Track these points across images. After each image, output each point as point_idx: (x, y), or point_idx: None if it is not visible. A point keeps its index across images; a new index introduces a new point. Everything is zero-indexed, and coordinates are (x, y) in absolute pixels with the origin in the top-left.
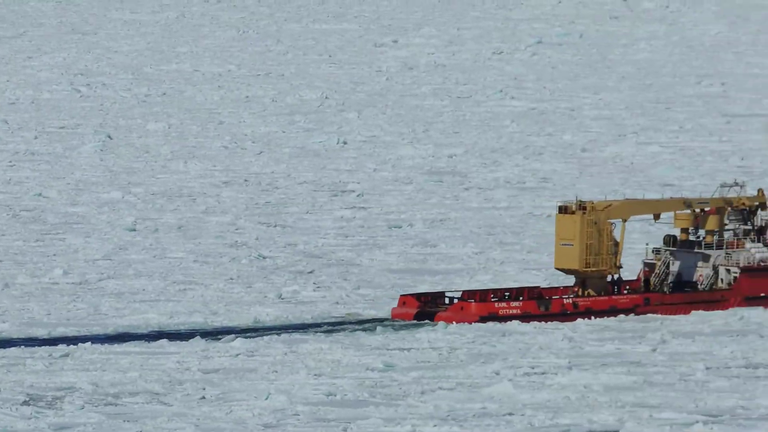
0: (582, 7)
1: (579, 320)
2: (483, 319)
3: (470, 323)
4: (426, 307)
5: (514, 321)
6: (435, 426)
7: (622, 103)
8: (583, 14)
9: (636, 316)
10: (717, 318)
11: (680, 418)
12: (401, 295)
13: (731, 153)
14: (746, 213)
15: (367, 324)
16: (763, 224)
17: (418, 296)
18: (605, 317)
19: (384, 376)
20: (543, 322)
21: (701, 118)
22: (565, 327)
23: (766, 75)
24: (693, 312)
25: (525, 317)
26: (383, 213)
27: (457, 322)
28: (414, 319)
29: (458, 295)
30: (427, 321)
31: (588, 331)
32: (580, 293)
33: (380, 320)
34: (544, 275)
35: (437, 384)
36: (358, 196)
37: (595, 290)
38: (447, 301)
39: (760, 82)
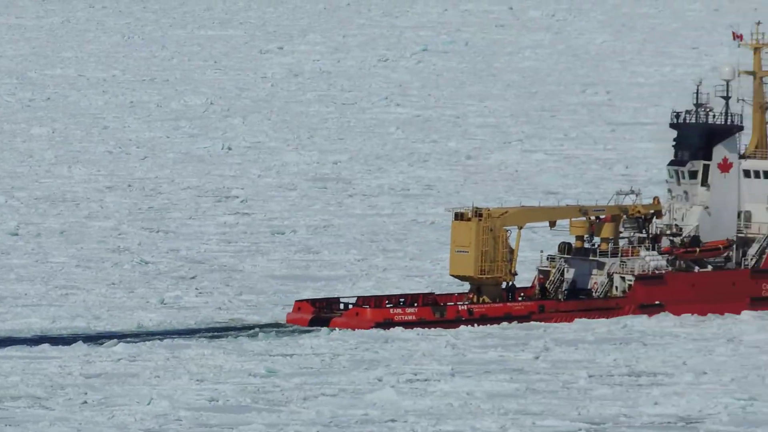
0: (468, 15)
1: (462, 327)
2: (378, 325)
3: (365, 329)
4: (321, 313)
5: (397, 328)
6: None
7: (507, 111)
8: (468, 22)
9: (519, 324)
10: (600, 326)
11: (563, 426)
12: (296, 301)
13: (616, 161)
14: (641, 221)
15: (261, 329)
16: (658, 232)
17: (313, 302)
18: (500, 324)
19: (266, 381)
20: (429, 329)
21: (586, 127)
22: (448, 334)
23: (650, 84)
24: (576, 320)
25: (420, 324)
26: (267, 219)
27: (352, 328)
28: (309, 324)
29: (353, 300)
30: (323, 327)
31: (471, 339)
32: (475, 300)
33: (276, 326)
34: (427, 282)
35: (320, 390)
36: (241, 201)
37: (491, 297)
38: (342, 306)
39: (644, 91)
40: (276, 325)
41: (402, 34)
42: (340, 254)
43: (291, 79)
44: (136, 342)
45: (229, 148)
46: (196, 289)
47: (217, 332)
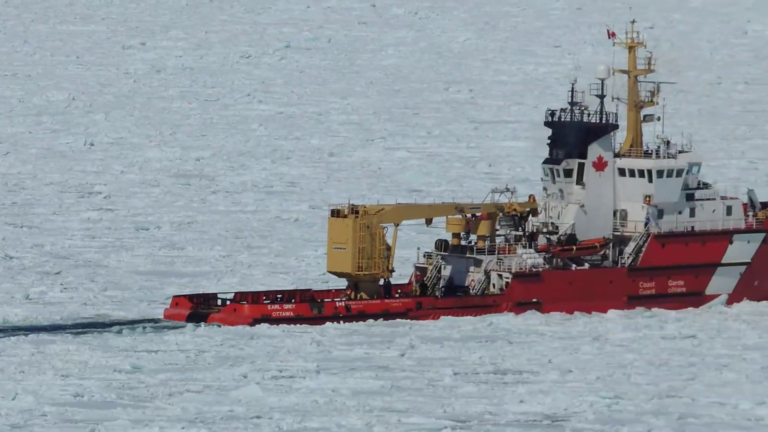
0: (330, 12)
1: (328, 324)
2: (256, 321)
3: (244, 325)
4: (199, 309)
5: (263, 324)
6: (183, 428)
7: (370, 108)
8: (331, 19)
9: (385, 321)
10: (466, 323)
11: (428, 423)
12: (174, 296)
13: (479, 159)
14: (517, 219)
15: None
16: (534, 230)
17: (190, 297)
18: (378, 320)
19: (132, 377)
20: (295, 326)
21: (449, 125)
22: (314, 331)
23: (513, 82)
24: (450, 317)
25: (298, 320)
26: (130, 215)
27: (230, 324)
28: (187, 320)
29: (231, 296)
30: (200, 322)
31: (337, 336)
32: (352, 297)
33: (150, 321)
34: (292, 279)
35: (185, 386)
36: (105, 197)
37: (368, 294)
38: (219, 302)
39: (507, 89)
40: (152, 321)
41: (265, 31)
42: (204, 250)
43: (153, 75)
44: (0, 337)
45: (92, 144)
46: (61, 284)
47: (83, 328)
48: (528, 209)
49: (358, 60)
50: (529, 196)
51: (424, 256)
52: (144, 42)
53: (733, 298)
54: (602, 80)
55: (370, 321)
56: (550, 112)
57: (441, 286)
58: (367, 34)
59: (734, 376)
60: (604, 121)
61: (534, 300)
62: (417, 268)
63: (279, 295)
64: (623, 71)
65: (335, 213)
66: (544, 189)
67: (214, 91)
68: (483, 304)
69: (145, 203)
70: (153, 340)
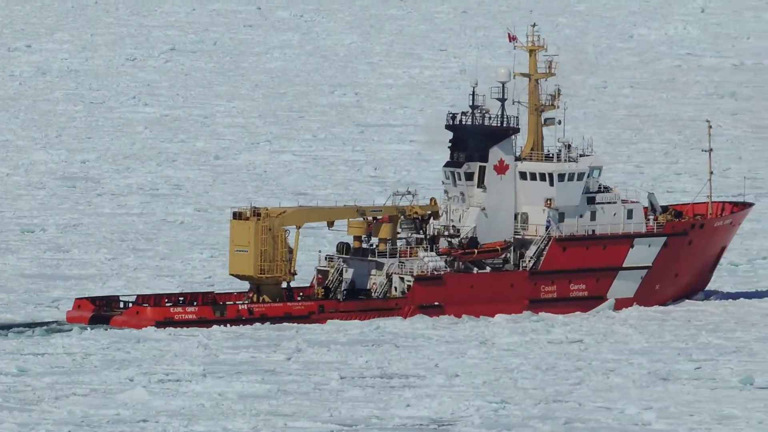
0: (216, 15)
1: (215, 327)
2: (159, 324)
3: (146, 327)
4: (101, 311)
5: (150, 328)
6: (69, 431)
7: (255, 111)
8: (217, 22)
9: (273, 325)
10: (353, 327)
11: (314, 428)
12: (76, 299)
13: (364, 162)
14: (418, 222)
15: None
16: (436, 233)
17: (92, 300)
18: (281, 323)
19: (17, 380)
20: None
21: (334, 128)
22: (200, 334)
23: (399, 86)
24: (329, 322)
25: (201, 322)
26: (15, 217)
27: (134, 327)
28: (89, 322)
29: (133, 299)
30: (103, 324)
31: (223, 339)
32: (255, 299)
33: (52, 323)
34: (178, 282)
35: (71, 390)
36: None
37: (271, 297)
38: (122, 305)
39: (393, 92)
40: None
41: (150, 34)
42: (90, 253)
43: (39, 78)
44: None
45: None
46: None
47: None
48: (429, 212)
49: (244, 63)
50: (431, 199)
51: (326, 259)
52: (29, 44)
53: (635, 302)
54: (503, 83)
55: (257, 325)
56: (451, 115)
57: (343, 289)
58: (253, 37)
59: (621, 380)
60: (505, 125)
61: (436, 303)
62: (318, 271)
63: (181, 298)
64: (524, 74)
65: (237, 215)
66: (446, 192)
67: (99, 93)
68: (385, 307)
69: (31, 206)
70: (39, 343)
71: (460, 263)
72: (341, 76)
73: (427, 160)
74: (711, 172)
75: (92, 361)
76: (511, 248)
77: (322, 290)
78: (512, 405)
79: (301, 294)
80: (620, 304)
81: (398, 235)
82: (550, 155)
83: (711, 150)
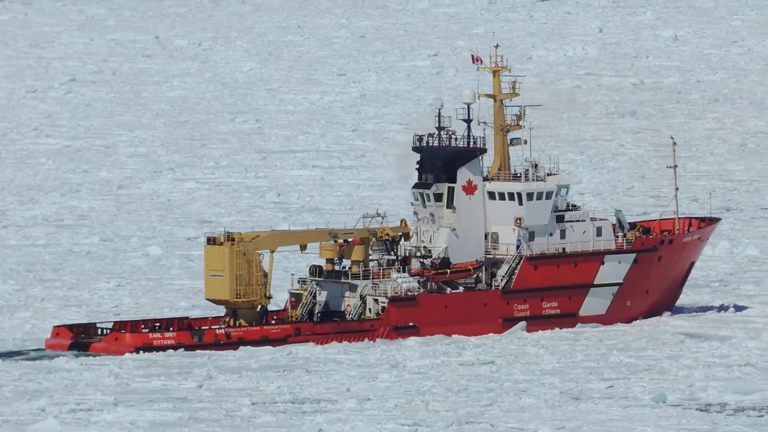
0: (114, 45)
1: (127, 355)
2: (138, 350)
3: (124, 354)
4: (80, 338)
5: (62, 358)
6: None
7: (157, 140)
8: (116, 52)
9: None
10: (264, 353)
11: None
12: (54, 327)
13: (268, 189)
14: (389, 243)
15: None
16: (407, 254)
17: (70, 327)
18: (258, 347)
19: None
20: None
21: (237, 155)
22: (112, 363)
23: (299, 111)
24: (241, 348)
25: (180, 347)
26: None
27: (113, 353)
28: (69, 349)
29: (110, 326)
30: (82, 351)
31: (135, 368)
32: (231, 324)
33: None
34: (86, 312)
35: None
36: None
37: (247, 321)
38: (99, 332)
39: (293, 118)
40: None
41: (49, 65)
42: None
43: None
44: None
45: None
46: None
47: None
48: (400, 234)
49: (144, 92)
50: (401, 221)
51: (298, 282)
52: None
53: (607, 318)
54: (468, 105)
55: (170, 352)
56: (417, 137)
57: (317, 311)
58: (152, 66)
59: (532, 401)
60: (472, 146)
61: (410, 324)
62: (292, 294)
63: (157, 324)
64: (489, 95)
65: (211, 240)
66: (415, 213)
67: (0, 126)
68: (361, 329)
69: None
70: None
71: (433, 284)
72: (241, 104)
73: (330, 185)
74: (677, 188)
75: (3, 392)
76: (483, 268)
77: (298, 314)
78: (424, 427)
79: (275, 318)
80: (592, 320)
81: (370, 257)
82: (518, 175)
83: (676, 166)
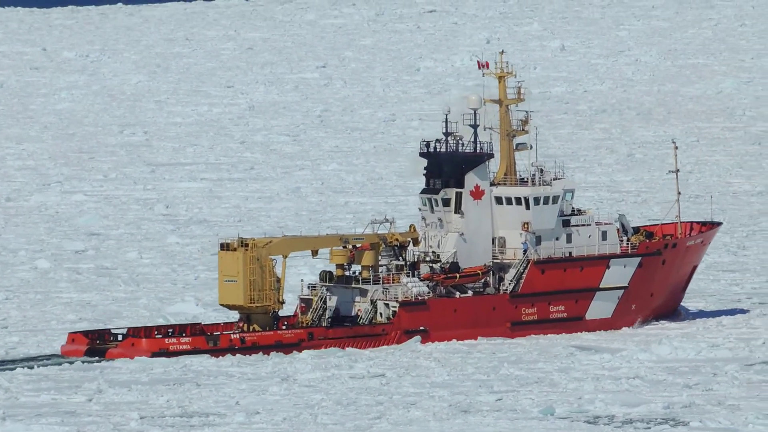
0: (1, 58)
1: (18, 370)
2: (155, 355)
3: (143, 357)
4: (96, 344)
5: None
6: None
7: (45, 153)
8: (2, 65)
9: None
10: (157, 365)
11: None
12: (70, 333)
13: (156, 201)
14: (397, 248)
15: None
16: (417, 259)
17: (86, 333)
18: (272, 352)
19: None
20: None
21: (125, 167)
22: (1, 377)
23: (187, 123)
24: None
25: (195, 352)
26: None
27: (130, 358)
28: (85, 355)
29: (123, 332)
30: (100, 357)
31: (24, 381)
32: (245, 329)
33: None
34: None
35: None
36: None
37: (260, 325)
38: (112, 338)
39: (182, 130)
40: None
41: None
42: None
43: None
44: None
45: None
46: None
47: None
48: (409, 239)
49: (32, 105)
50: (410, 226)
51: (308, 287)
52: None
53: (613, 323)
54: (474, 110)
55: (65, 365)
56: (425, 143)
57: (328, 316)
58: (39, 79)
59: (421, 413)
60: (479, 151)
61: (421, 328)
62: (302, 300)
63: (170, 330)
64: (494, 101)
65: (225, 246)
66: (423, 218)
67: None
68: (373, 333)
69: None
70: None
71: (443, 288)
72: (130, 116)
73: (218, 197)
74: (679, 193)
75: None
76: (491, 272)
77: (308, 319)
78: None
79: (285, 323)
80: (598, 324)
81: (379, 263)
82: (525, 179)
83: (678, 171)
